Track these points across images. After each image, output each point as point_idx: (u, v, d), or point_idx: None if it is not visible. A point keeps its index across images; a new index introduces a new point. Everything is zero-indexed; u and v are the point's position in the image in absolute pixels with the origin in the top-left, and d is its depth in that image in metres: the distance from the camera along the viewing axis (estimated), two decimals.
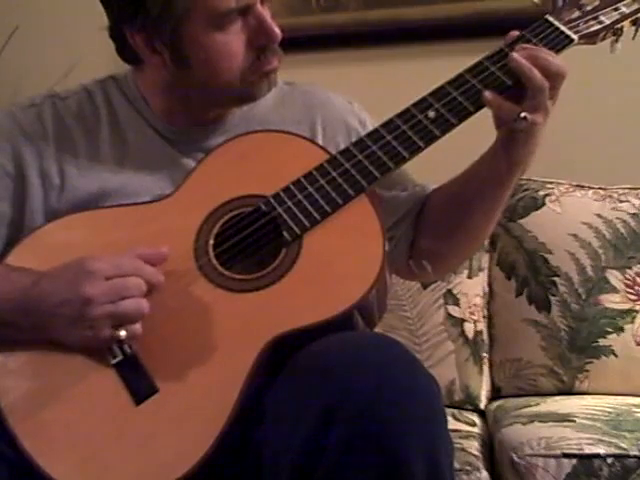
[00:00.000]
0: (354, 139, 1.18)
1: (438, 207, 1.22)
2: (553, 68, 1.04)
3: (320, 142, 1.18)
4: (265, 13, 1.10)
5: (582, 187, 1.84)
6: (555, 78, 1.04)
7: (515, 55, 1.05)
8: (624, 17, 1.10)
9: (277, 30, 1.10)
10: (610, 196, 1.81)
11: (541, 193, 1.83)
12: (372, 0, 2.04)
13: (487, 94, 1.06)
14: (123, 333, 0.97)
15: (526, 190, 1.83)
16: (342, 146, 1.13)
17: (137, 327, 0.98)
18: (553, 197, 1.82)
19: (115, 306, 0.97)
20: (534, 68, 1.04)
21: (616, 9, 1.11)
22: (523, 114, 1.03)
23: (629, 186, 1.83)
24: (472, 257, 1.78)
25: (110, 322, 0.97)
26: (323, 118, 1.23)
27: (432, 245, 1.22)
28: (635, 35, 1.13)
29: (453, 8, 2.00)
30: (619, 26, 1.10)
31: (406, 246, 1.23)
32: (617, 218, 1.77)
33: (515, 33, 1.10)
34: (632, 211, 1.78)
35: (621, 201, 1.80)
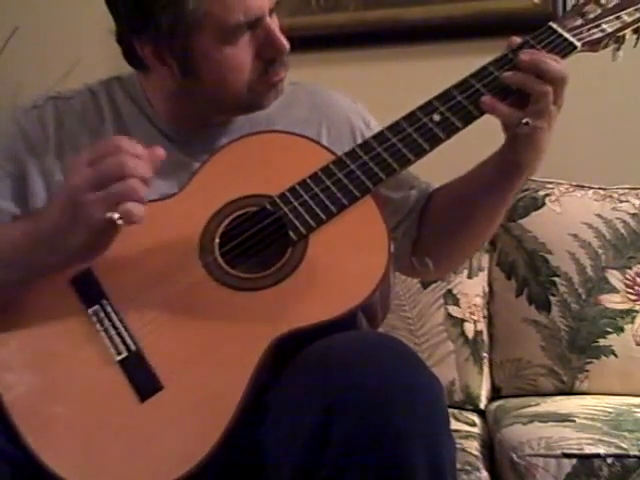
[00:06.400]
0: (359, 139, 1.20)
1: (442, 205, 1.23)
2: (554, 72, 1.04)
3: (325, 142, 1.18)
4: (274, 25, 1.10)
5: (582, 187, 1.84)
6: (556, 82, 1.04)
7: (506, 74, 1.05)
8: (626, 25, 1.11)
9: (285, 42, 1.11)
10: (610, 196, 1.81)
11: (541, 193, 1.83)
12: (372, 0, 2.04)
13: (484, 99, 1.05)
14: (115, 215, 0.91)
15: (526, 190, 1.83)
16: (347, 146, 1.13)
17: (131, 206, 0.91)
18: (553, 197, 1.82)
19: (105, 190, 0.91)
20: (531, 76, 1.03)
21: (618, 17, 1.11)
22: (525, 120, 1.03)
23: (629, 186, 1.83)
24: (472, 257, 1.78)
25: (104, 206, 0.91)
26: (328, 118, 1.24)
27: (435, 243, 1.22)
28: (637, 43, 1.14)
29: (453, 8, 1.99)
30: (621, 34, 1.11)
31: (409, 243, 1.23)
32: (617, 218, 1.77)
33: (517, 39, 1.10)
34: (632, 211, 1.78)
35: (621, 201, 1.80)
